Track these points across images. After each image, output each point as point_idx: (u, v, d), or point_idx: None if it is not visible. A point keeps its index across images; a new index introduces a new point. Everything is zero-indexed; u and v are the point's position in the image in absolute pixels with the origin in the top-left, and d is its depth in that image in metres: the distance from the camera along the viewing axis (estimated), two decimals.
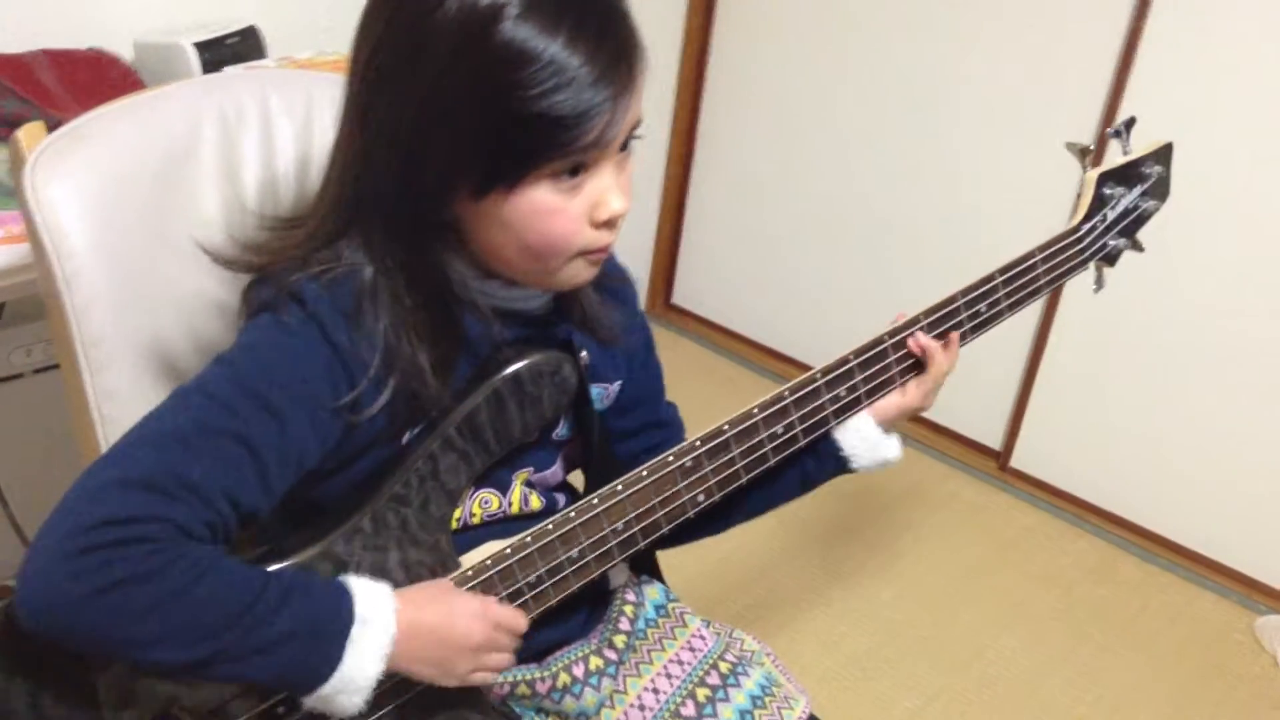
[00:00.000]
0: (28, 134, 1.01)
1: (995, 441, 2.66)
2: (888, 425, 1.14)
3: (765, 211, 2.92)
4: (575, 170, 0.87)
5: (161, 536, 0.77)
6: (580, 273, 0.94)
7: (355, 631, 0.84)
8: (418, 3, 0.83)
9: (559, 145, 0.84)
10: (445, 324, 0.92)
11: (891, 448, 1.15)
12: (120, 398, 1.02)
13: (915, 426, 2.75)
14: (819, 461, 1.14)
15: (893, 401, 1.14)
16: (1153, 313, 2.29)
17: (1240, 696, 2.10)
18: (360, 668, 0.84)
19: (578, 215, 0.88)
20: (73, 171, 0.98)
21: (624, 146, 0.90)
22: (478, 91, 0.82)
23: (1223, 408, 2.29)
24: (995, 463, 2.66)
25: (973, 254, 2.52)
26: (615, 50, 0.84)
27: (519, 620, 0.95)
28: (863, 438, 1.13)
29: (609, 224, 0.90)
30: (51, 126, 1.02)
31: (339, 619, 0.84)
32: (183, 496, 0.79)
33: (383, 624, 0.85)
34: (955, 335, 1.15)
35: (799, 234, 2.86)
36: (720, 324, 3.11)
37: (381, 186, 0.88)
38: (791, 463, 1.11)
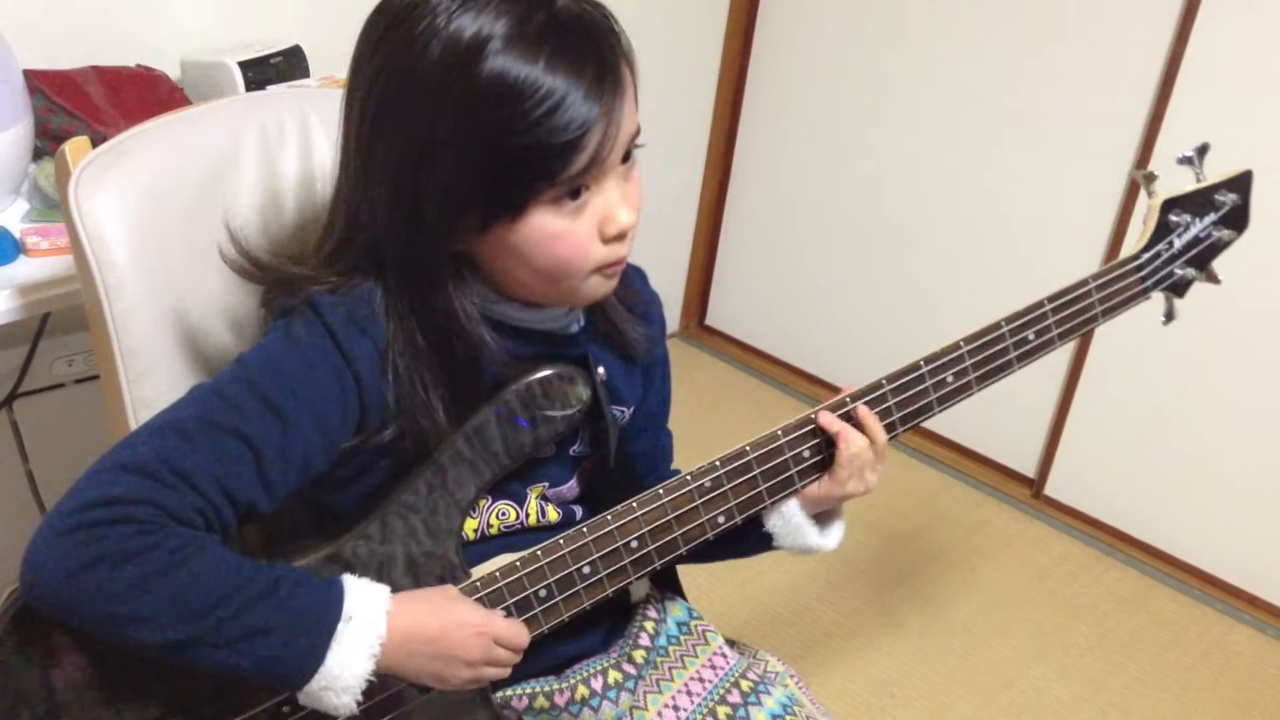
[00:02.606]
0: (73, 149, 1.03)
1: (1029, 469, 2.64)
2: (817, 509, 1.08)
3: (800, 235, 2.92)
4: (576, 192, 0.87)
5: (147, 519, 0.79)
6: (599, 288, 0.94)
7: (341, 628, 0.84)
8: (406, 46, 0.83)
9: (553, 173, 0.84)
10: (459, 365, 0.92)
11: (814, 535, 1.07)
12: (156, 407, 1.03)
13: (947, 452, 2.74)
14: (745, 535, 1.08)
15: (810, 489, 1.06)
16: (1191, 339, 2.27)
17: None
18: (345, 665, 0.84)
19: (586, 233, 0.89)
20: (116, 185, 1.01)
21: (626, 158, 0.90)
22: (467, 129, 0.83)
23: (1262, 437, 2.26)
24: (1029, 490, 2.64)
25: (1008, 280, 2.52)
26: (598, 69, 0.84)
27: (521, 636, 0.95)
28: (784, 519, 1.06)
29: (619, 237, 0.91)
30: (97, 141, 1.04)
31: (326, 614, 0.84)
32: (174, 483, 0.81)
33: (371, 624, 0.85)
34: (863, 410, 1.05)
35: (833, 257, 2.87)
36: (754, 346, 3.11)
37: (386, 231, 0.89)
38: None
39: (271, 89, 1.73)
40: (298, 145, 1.14)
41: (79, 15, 1.76)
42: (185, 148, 1.07)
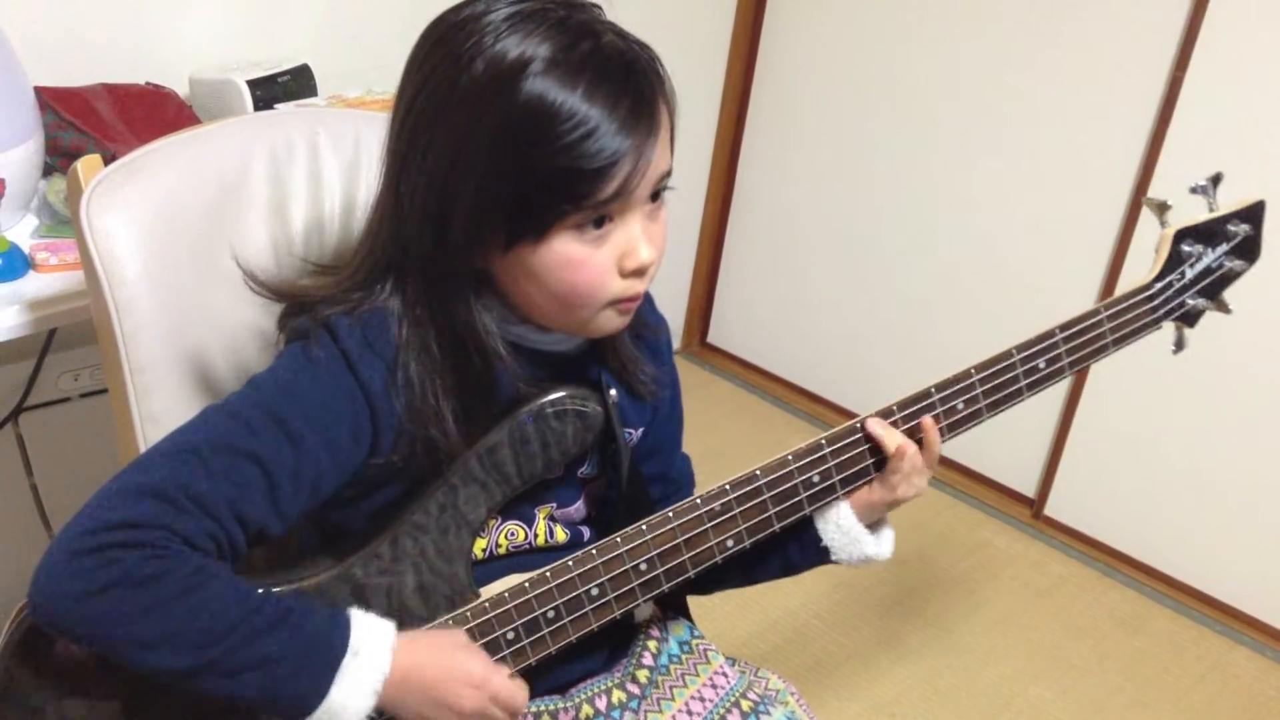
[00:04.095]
0: (85, 166, 1.04)
1: (1029, 489, 2.65)
2: (867, 517, 1.08)
3: (801, 253, 2.94)
4: (600, 221, 0.88)
5: (162, 543, 0.80)
6: (611, 321, 0.95)
7: (346, 662, 0.85)
8: (452, 62, 0.85)
9: (578, 198, 0.85)
10: (473, 377, 0.93)
11: (871, 544, 1.08)
12: (164, 423, 1.05)
13: (948, 472, 2.74)
14: (802, 549, 1.10)
15: (862, 495, 1.07)
16: (1191, 360, 2.27)
17: None
18: (348, 700, 0.85)
19: (605, 265, 0.90)
20: (127, 203, 1.02)
21: (655, 197, 0.91)
22: (500, 145, 0.84)
23: (1261, 459, 2.27)
24: (1029, 510, 2.64)
25: (1010, 298, 2.53)
26: (635, 103, 0.85)
27: (519, 697, 0.94)
28: (841, 530, 1.07)
29: (638, 273, 0.91)
30: (108, 159, 1.06)
31: (332, 648, 0.85)
32: (189, 508, 0.82)
33: (376, 660, 0.86)
34: (928, 422, 1.07)
35: (835, 275, 2.87)
36: (755, 364, 3.12)
37: (413, 241, 0.90)
38: (774, 547, 1.08)
39: (280, 107, 1.75)
40: (307, 164, 1.15)
41: (89, 33, 1.77)
42: (196, 166, 1.08)
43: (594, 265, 0.89)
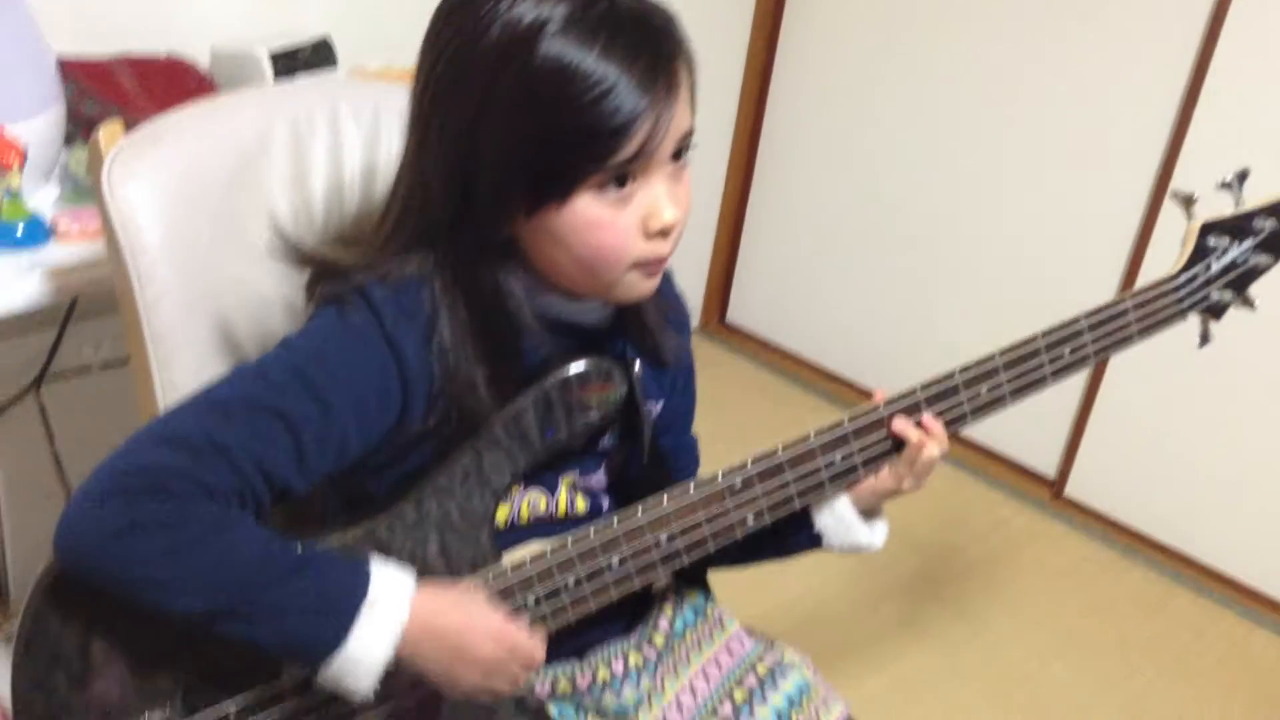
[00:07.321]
0: (106, 134, 1.04)
1: (1050, 470, 2.64)
2: (865, 507, 1.08)
3: (821, 232, 2.92)
4: (622, 181, 0.88)
5: (181, 490, 0.81)
6: (637, 285, 0.94)
7: (364, 612, 0.85)
8: (469, 29, 0.85)
9: (599, 157, 0.85)
10: (502, 343, 0.94)
11: (864, 533, 1.08)
12: (185, 390, 1.03)
13: (967, 452, 2.73)
14: (795, 532, 1.08)
15: (866, 484, 1.05)
16: (1214, 341, 2.25)
17: None
18: (366, 648, 0.85)
19: (629, 226, 0.89)
20: (148, 171, 1.02)
21: (677, 156, 0.90)
22: (520, 108, 0.84)
23: None
24: (1049, 491, 2.63)
25: (1028, 280, 2.51)
26: (652, 60, 0.85)
27: (536, 651, 0.95)
28: (838, 519, 1.07)
29: (663, 234, 0.91)
30: (129, 128, 1.06)
31: (352, 596, 0.85)
32: (213, 458, 0.82)
33: (394, 609, 0.86)
34: (933, 420, 1.04)
35: (855, 256, 2.86)
36: (774, 343, 3.11)
37: (441, 208, 0.90)
38: (767, 529, 1.05)
39: (300, 80, 1.74)
40: (327, 136, 1.15)
41: (111, 4, 1.77)
42: (217, 136, 1.08)
43: (618, 227, 0.89)
